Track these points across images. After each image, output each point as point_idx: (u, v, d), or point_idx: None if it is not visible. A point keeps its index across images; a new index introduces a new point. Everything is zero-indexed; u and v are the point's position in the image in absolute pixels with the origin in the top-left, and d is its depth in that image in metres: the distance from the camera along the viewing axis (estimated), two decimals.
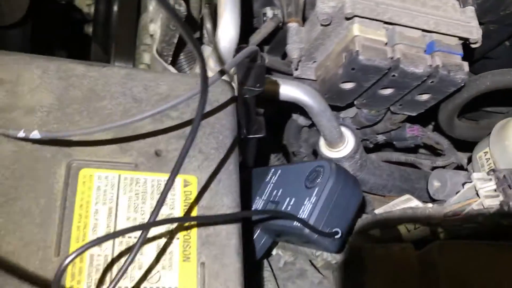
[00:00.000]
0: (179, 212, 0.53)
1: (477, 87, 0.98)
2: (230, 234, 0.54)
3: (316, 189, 0.59)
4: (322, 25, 0.86)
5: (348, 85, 0.89)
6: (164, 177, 0.54)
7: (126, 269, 0.43)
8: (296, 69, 0.96)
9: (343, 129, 0.88)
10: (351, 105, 0.97)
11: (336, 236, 0.58)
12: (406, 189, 0.98)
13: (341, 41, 0.88)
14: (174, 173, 0.42)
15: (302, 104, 0.81)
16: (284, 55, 0.99)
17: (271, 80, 0.82)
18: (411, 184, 1.00)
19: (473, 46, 0.93)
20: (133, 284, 0.48)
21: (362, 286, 0.71)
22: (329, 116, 0.82)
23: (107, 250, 0.48)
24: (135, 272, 0.49)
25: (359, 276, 0.71)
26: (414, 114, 1.00)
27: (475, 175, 0.71)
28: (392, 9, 0.85)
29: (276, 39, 0.99)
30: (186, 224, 0.52)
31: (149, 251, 0.50)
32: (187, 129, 0.57)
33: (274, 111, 0.93)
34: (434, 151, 1.16)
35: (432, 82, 0.88)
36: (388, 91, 0.91)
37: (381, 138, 1.09)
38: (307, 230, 0.57)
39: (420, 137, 1.03)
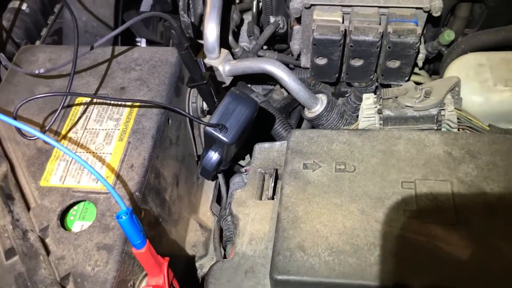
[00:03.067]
0: (123, 118, 0.88)
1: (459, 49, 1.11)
2: (150, 127, 0.86)
3: (220, 104, 0.88)
4: (296, 18, 1.15)
5: (322, 61, 1.12)
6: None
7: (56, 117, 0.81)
8: (297, 59, 1.23)
9: (319, 95, 1.11)
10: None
11: (221, 129, 0.84)
12: None
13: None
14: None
15: (270, 73, 1.08)
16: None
17: (246, 58, 1.13)
18: None
19: (434, 15, 1.08)
20: (87, 150, 0.85)
21: None
22: (293, 79, 1.07)
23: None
24: (90, 145, 0.85)
25: None
26: (400, 83, 1.15)
27: (365, 96, 0.88)
28: None
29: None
30: (125, 120, 0.87)
31: (101, 135, 0.87)
32: (143, 74, 0.94)
33: None
34: None
35: (389, 47, 1.06)
36: (359, 62, 1.11)
37: None
38: (208, 128, 0.86)
39: None
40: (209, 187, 1.12)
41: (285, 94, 1.30)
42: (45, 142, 0.83)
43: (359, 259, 0.65)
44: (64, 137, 0.86)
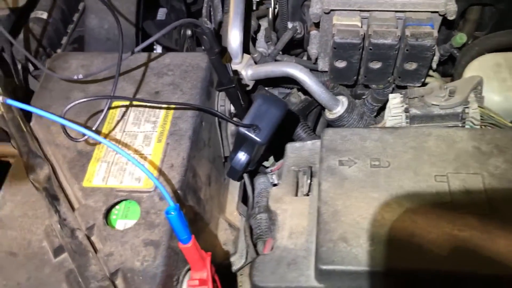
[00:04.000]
0: (159, 120, 0.92)
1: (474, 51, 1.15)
2: (187, 129, 0.90)
3: (252, 106, 0.92)
4: (315, 23, 1.19)
5: (341, 64, 1.17)
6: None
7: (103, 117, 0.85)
8: (315, 63, 1.28)
9: (339, 96, 1.15)
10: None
11: (254, 129, 0.88)
12: None
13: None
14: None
15: (292, 76, 1.12)
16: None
17: (266, 62, 1.17)
18: None
19: (449, 18, 1.12)
20: (129, 151, 0.88)
21: None
22: (315, 81, 1.11)
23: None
24: (130, 147, 0.89)
25: None
26: (417, 84, 1.19)
27: (391, 95, 0.92)
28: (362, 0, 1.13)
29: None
30: (162, 123, 0.91)
31: (140, 137, 0.90)
32: (175, 79, 0.98)
33: None
34: None
35: (407, 50, 1.10)
36: (377, 65, 1.15)
37: None
38: (242, 129, 0.89)
39: None
40: (234, 187, 1.15)
41: (302, 97, 1.34)
42: (97, 142, 0.86)
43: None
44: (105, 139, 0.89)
